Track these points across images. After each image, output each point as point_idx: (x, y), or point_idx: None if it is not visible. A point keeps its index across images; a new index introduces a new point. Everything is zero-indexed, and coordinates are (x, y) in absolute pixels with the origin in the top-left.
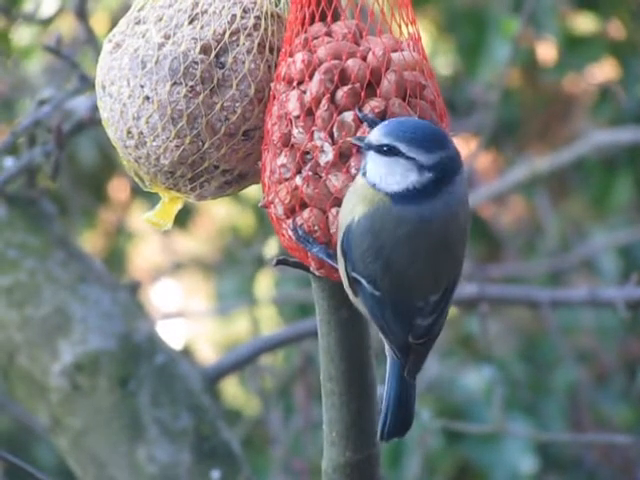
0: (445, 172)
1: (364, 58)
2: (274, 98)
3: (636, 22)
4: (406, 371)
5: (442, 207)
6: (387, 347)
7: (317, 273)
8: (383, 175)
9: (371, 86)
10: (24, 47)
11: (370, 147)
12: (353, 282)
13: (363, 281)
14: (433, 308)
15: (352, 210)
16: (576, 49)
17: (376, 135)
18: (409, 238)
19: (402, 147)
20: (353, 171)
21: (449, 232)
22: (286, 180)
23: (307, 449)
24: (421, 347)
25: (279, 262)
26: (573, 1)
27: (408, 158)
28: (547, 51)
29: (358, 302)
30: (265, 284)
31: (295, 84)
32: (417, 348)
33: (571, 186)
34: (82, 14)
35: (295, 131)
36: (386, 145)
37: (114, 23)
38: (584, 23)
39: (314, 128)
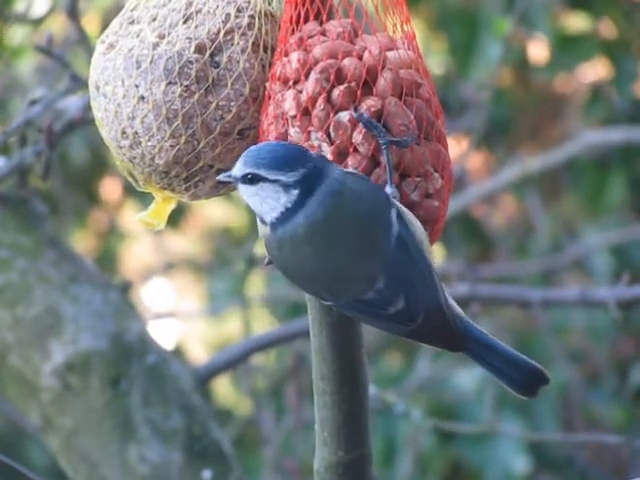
0: (310, 183)
1: (360, 57)
2: (270, 98)
3: (628, 21)
4: (450, 346)
5: (318, 211)
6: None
7: None
8: (259, 204)
9: (367, 85)
10: (15, 47)
11: (237, 180)
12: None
13: (320, 300)
14: (391, 291)
15: None
16: (568, 48)
17: (238, 167)
18: (300, 252)
19: (263, 172)
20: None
21: (341, 227)
22: None
23: (299, 449)
24: (432, 324)
25: (270, 262)
26: (565, 0)
27: (272, 181)
28: (539, 50)
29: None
30: (257, 284)
31: (291, 84)
32: (430, 326)
33: (563, 186)
34: (73, 14)
35: (292, 131)
36: (249, 174)
37: (106, 23)
38: (576, 22)
39: (311, 128)
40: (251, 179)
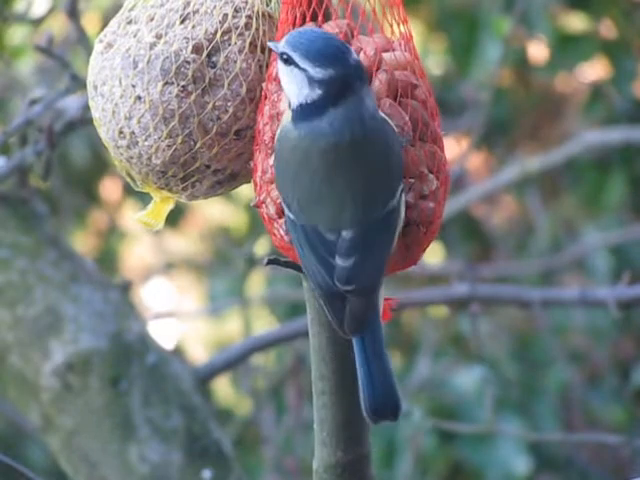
0: (336, 90)
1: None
2: (266, 98)
3: (628, 21)
4: (345, 325)
5: (328, 128)
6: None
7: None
8: (287, 85)
9: None
10: (15, 47)
11: (277, 52)
12: (283, 215)
13: (284, 207)
14: (350, 246)
15: None
16: (567, 48)
17: (282, 42)
18: (302, 155)
19: (296, 57)
20: None
21: (343, 154)
22: None
23: (298, 449)
24: (354, 298)
25: (270, 262)
26: (564, 0)
27: (300, 69)
28: (538, 50)
29: (291, 241)
30: (257, 284)
31: None
32: (350, 299)
33: (563, 186)
34: (73, 14)
35: None
36: (284, 53)
37: (105, 23)
38: (575, 22)
39: None
40: (285, 59)
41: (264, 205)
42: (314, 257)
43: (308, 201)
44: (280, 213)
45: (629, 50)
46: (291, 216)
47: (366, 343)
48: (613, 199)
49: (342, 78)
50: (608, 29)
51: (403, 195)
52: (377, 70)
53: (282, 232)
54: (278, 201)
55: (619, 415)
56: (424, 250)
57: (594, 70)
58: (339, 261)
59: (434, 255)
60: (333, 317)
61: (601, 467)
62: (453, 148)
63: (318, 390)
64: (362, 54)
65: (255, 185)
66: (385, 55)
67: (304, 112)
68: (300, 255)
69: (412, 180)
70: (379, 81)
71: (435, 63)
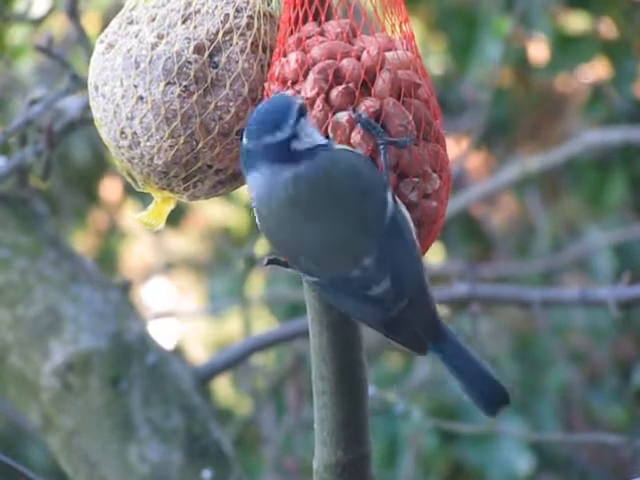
0: (270, 153)
1: (358, 57)
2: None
3: (628, 21)
4: (423, 343)
5: (310, 171)
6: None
7: None
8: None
9: (365, 85)
10: (15, 47)
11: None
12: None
13: (303, 276)
14: (378, 270)
15: None
16: (568, 48)
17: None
18: (282, 220)
19: (245, 132)
20: None
21: (333, 195)
22: None
23: (298, 449)
24: (414, 312)
25: (270, 262)
26: (564, 0)
27: (242, 143)
28: (539, 50)
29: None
30: (257, 284)
31: (289, 84)
32: (410, 317)
33: (563, 186)
34: (73, 14)
35: None
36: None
37: (106, 23)
38: (576, 22)
39: None
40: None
41: None
42: (355, 302)
43: (317, 254)
44: None
45: (629, 50)
46: (313, 278)
47: (447, 350)
48: (614, 199)
49: (275, 145)
50: (608, 29)
51: (394, 197)
52: (380, 69)
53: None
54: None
55: (619, 415)
56: (427, 249)
57: (594, 70)
58: (378, 289)
59: (434, 255)
60: (408, 344)
61: (601, 467)
62: (453, 148)
63: (318, 390)
64: (365, 53)
65: None
66: (388, 54)
67: (262, 179)
68: (344, 310)
69: (416, 179)
70: (383, 80)
71: (435, 63)
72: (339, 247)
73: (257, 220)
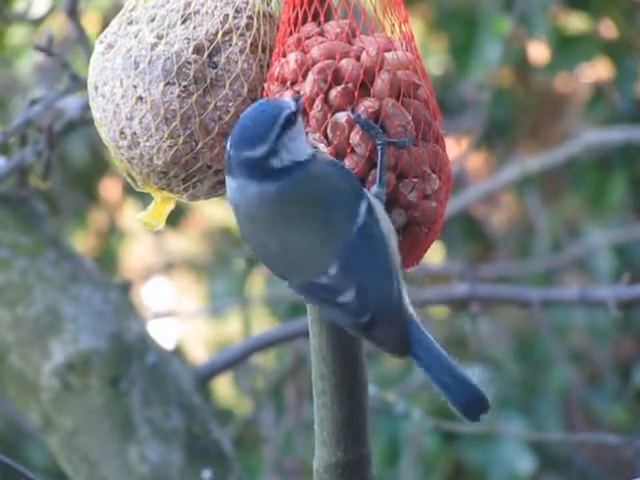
0: (246, 167)
1: (357, 58)
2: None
3: (628, 21)
4: (392, 351)
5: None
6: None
7: None
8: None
9: (365, 86)
10: (15, 47)
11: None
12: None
13: (280, 279)
14: (341, 280)
15: None
16: (568, 48)
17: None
18: (255, 228)
19: (227, 144)
20: None
21: (299, 203)
22: None
23: (298, 449)
24: (381, 325)
25: None
26: (564, 0)
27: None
28: (539, 50)
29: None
30: (257, 284)
31: (289, 84)
32: (379, 327)
33: (564, 186)
34: (73, 14)
35: None
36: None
37: (105, 23)
38: (576, 22)
39: (308, 129)
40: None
41: None
42: (326, 305)
43: (283, 262)
44: None
45: (630, 50)
46: (286, 283)
47: (421, 356)
48: (614, 199)
49: (252, 160)
50: (608, 29)
51: (370, 208)
52: (379, 70)
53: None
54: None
55: (620, 415)
56: (426, 250)
57: (595, 70)
58: (342, 299)
59: (434, 255)
60: (379, 347)
61: (602, 467)
62: (453, 148)
63: (318, 390)
64: (364, 54)
65: None
66: (387, 55)
67: (236, 187)
68: (318, 309)
69: (415, 180)
70: (382, 81)
71: (435, 63)
72: (304, 256)
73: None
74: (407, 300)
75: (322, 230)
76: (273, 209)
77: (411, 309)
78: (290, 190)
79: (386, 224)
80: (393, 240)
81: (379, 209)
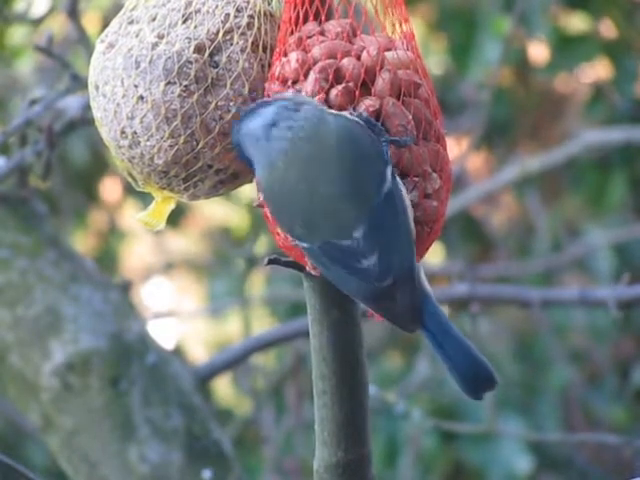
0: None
1: (358, 57)
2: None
3: (628, 21)
4: (406, 322)
5: (306, 127)
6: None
7: (313, 272)
8: None
9: (366, 85)
10: (15, 47)
11: None
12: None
13: (295, 241)
14: (367, 243)
15: None
16: (568, 48)
17: None
18: (282, 185)
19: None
20: None
21: (329, 157)
22: None
23: (299, 449)
24: (400, 291)
25: (270, 261)
26: (564, 0)
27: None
28: (539, 50)
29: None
30: (257, 284)
31: (290, 83)
32: (397, 295)
33: (564, 186)
34: (73, 14)
35: None
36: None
37: (106, 23)
38: (576, 22)
39: None
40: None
41: None
42: (344, 270)
43: (308, 219)
44: None
45: (630, 50)
46: (304, 244)
47: (433, 330)
48: (614, 199)
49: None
50: (608, 29)
51: (395, 177)
52: (380, 69)
53: None
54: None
55: (619, 415)
56: (427, 249)
57: (595, 70)
58: (365, 262)
59: (434, 255)
60: (391, 319)
61: (601, 467)
62: (453, 148)
63: (319, 390)
64: (365, 53)
65: (258, 185)
66: (388, 54)
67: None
68: (332, 277)
69: (416, 179)
70: (382, 80)
71: (435, 63)
72: (332, 212)
73: (262, 188)
74: (423, 274)
75: (353, 188)
76: (319, 150)
77: (427, 284)
78: (337, 136)
79: (407, 197)
80: (411, 212)
81: (399, 180)
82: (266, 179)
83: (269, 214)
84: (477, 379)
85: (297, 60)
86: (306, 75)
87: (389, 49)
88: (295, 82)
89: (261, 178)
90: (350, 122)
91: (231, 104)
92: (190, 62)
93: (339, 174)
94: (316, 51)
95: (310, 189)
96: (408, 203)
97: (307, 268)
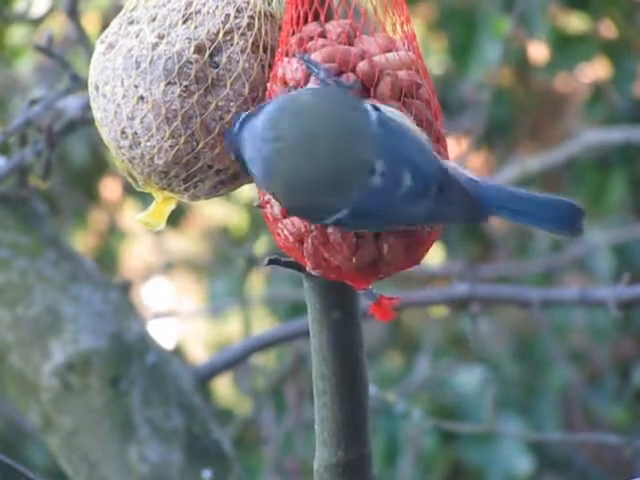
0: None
1: (362, 57)
2: (270, 99)
3: (628, 21)
4: (472, 218)
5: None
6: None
7: (313, 272)
8: None
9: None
10: (15, 47)
11: None
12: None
13: (329, 217)
14: (394, 171)
15: None
16: (567, 48)
17: None
18: (283, 158)
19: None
20: None
21: (308, 121)
22: None
23: (299, 449)
24: (451, 195)
25: (270, 262)
26: (564, 0)
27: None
28: (538, 50)
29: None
30: (257, 284)
31: (291, 85)
32: (445, 198)
33: (563, 186)
34: (73, 14)
35: None
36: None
37: (105, 23)
38: (575, 22)
39: None
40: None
41: (269, 205)
42: (392, 206)
43: (329, 183)
44: (285, 213)
45: (629, 50)
46: (339, 214)
47: (497, 204)
48: (614, 199)
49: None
50: (608, 29)
51: (379, 107)
52: (380, 72)
53: (287, 232)
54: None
55: (620, 415)
56: (428, 249)
57: (594, 70)
58: (405, 184)
59: (434, 255)
60: (460, 220)
61: (602, 467)
62: (453, 148)
63: (319, 390)
64: (366, 60)
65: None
66: (389, 55)
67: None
68: (386, 226)
69: None
70: (384, 83)
71: (435, 63)
72: (345, 165)
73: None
74: (461, 169)
75: (345, 133)
76: (301, 126)
77: (468, 172)
78: (309, 105)
79: (399, 114)
80: (416, 127)
81: (387, 107)
82: (269, 172)
83: (287, 210)
84: (572, 218)
85: (299, 62)
86: (307, 79)
87: (390, 50)
88: (296, 86)
89: (262, 174)
90: (311, 91)
91: (231, 104)
92: (190, 62)
93: (331, 132)
94: (316, 56)
95: (314, 159)
96: (407, 121)
97: (307, 268)
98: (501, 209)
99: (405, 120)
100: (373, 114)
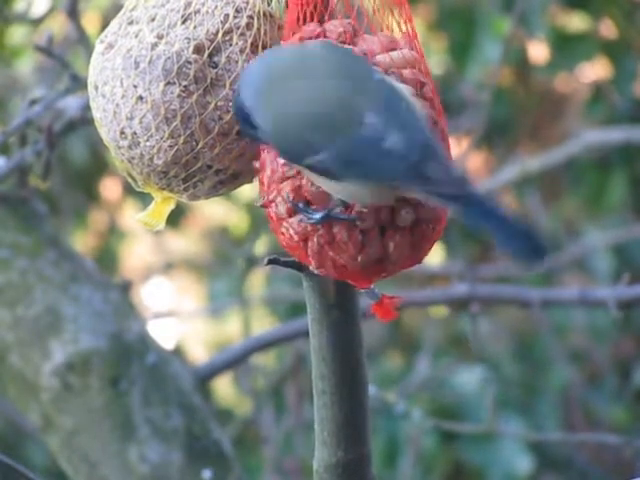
0: None
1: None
2: None
3: (628, 21)
4: (445, 188)
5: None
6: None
7: (317, 272)
8: None
9: None
10: (15, 47)
11: None
12: (293, 214)
13: (310, 157)
14: (381, 126)
15: None
16: (567, 48)
17: None
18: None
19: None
20: None
21: (310, 62)
22: (290, 178)
23: (299, 449)
24: (434, 162)
25: (270, 262)
26: (564, 0)
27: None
28: (538, 50)
29: (347, 184)
30: (257, 284)
31: None
32: (426, 163)
33: (563, 186)
34: (73, 14)
35: None
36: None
37: (105, 23)
38: (575, 22)
39: None
40: None
41: (273, 204)
42: (371, 161)
43: (317, 122)
44: (290, 212)
45: (629, 50)
46: (320, 155)
47: (472, 207)
48: (614, 199)
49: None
50: (608, 29)
51: (384, 75)
52: (384, 71)
53: (292, 231)
54: (290, 199)
55: (620, 415)
56: (430, 248)
57: (594, 70)
58: (389, 142)
59: (434, 255)
60: (437, 187)
61: (602, 467)
62: (453, 148)
63: (319, 390)
64: (368, 53)
65: (261, 185)
66: (393, 54)
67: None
68: (364, 174)
69: None
70: None
71: (435, 63)
72: (336, 108)
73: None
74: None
75: (347, 83)
76: (303, 63)
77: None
78: (318, 50)
79: (405, 88)
80: (416, 100)
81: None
82: (261, 107)
83: (277, 148)
84: (533, 250)
85: None
86: None
87: (393, 48)
88: None
89: (255, 105)
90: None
91: (230, 104)
92: (189, 62)
93: (330, 75)
94: None
95: (308, 97)
96: (409, 94)
97: (311, 268)
98: (478, 205)
99: (408, 93)
100: (377, 73)
